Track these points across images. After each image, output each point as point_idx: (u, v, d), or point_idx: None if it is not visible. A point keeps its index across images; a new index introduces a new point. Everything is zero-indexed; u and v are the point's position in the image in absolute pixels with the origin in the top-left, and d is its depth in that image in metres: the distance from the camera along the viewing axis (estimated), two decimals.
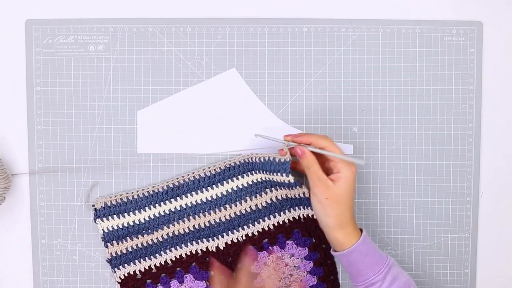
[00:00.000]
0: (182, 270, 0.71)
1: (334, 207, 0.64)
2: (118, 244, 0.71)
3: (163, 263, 0.72)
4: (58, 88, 0.72)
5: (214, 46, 0.73)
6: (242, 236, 0.72)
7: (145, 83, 0.72)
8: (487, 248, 0.76)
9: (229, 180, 0.72)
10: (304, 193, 0.69)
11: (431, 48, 0.74)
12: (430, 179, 0.75)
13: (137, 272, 0.72)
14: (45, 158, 0.72)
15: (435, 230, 0.75)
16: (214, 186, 0.72)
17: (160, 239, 0.72)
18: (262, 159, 0.68)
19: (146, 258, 0.71)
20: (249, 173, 0.71)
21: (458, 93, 0.74)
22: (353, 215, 0.66)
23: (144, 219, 0.71)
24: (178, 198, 0.72)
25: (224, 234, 0.72)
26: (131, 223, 0.71)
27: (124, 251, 0.71)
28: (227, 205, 0.72)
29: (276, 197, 0.72)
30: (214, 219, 0.72)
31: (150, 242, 0.72)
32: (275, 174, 0.67)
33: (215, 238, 0.72)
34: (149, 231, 0.72)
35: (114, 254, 0.71)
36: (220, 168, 0.72)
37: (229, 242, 0.72)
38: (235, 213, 0.72)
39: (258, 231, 0.72)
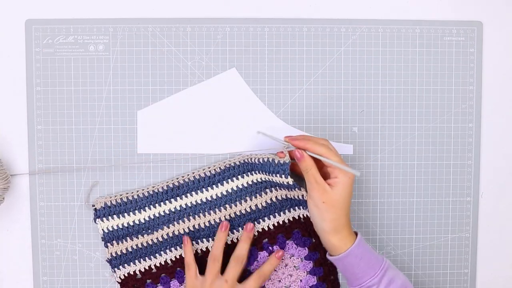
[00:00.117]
0: (182, 270, 0.71)
1: (330, 211, 0.64)
2: (118, 244, 0.71)
3: (163, 263, 0.72)
4: (58, 88, 0.72)
5: (214, 46, 0.73)
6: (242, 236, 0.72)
7: (145, 83, 0.72)
8: (487, 248, 0.76)
9: (229, 180, 0.72)
10: (303, 195, 0.69)
11: (431, 48, 0.74)
12: (430, 179, 0.75)
13: (137, 272, 0.72)
14: (45, 158, 0.72)
15: (435, 230, 0.75)
16: (214, 186, 0.72)
17: (160, 239, 0.72)
18: (261, 160, 0.68)
19: (146, 258, 0.71)
20: (248, 173, 0.71)
21: (458, 93, 0.74)
22: (349, 219, 0.66)
23: (144, 219, 0.71)
24: (178, 198, 0.72)
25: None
26: (131, 223, 0.71)
27: (124, 251, 0.71)
28: (227, 205, 0.72)
29: (276, 197, 0.72)
30: (214, 219, 0.72)
31: (150, 242, 0.71)
32: (274, 175, 0.67)
33: (215, 238, 0.72)
34: (149, 231, 0.72)
35: (114, 254, 0.71)
36: (220, 168, 0.72)
37: (229, 242, 0.72)
38: (235, 213, 0.72)
39: (258, 231, 0.72)
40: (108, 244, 0.71)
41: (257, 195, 0.72)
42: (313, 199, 0.64)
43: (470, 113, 0.75)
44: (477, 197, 0.75)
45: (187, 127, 0.73)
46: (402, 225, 0.75)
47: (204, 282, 0.68)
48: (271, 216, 0.72)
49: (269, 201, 0.72)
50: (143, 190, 0.72)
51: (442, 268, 0.76)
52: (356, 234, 0.66)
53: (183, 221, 0.72)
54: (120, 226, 0.71)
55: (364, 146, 0.74)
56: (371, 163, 0.74)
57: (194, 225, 0.72)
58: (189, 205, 0.72)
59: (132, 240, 0.71)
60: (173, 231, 0.72)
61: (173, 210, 0.72)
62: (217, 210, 0.72)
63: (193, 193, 0.72)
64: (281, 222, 0.72)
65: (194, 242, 0.72)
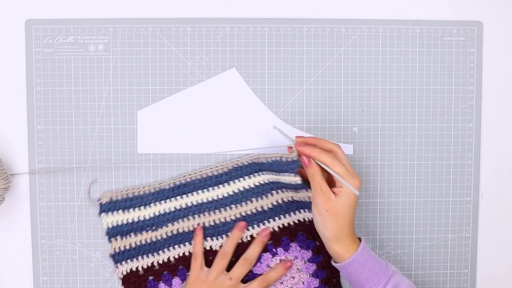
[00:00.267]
0: (184, 268, 0.71)
1: (333, 220, 0.63)
2: (122, 239, 0.71)
3: (166, 260, 0.71)
4: (58, 88, 0.72)
5: (214, 46, 0.73)
6: (246, 237, 0.72)
7: (145, 83, 0.72)
8: (487, 248, 0.76)
9: (236, 180, 0.72)
10: (309, 197, 0.69)
11: (431, 48, 0.74)
12: (430, 179, 0.75)
13: (140, 269, 0.71)
14: (45, 158, 0.72)
15: (435, 230, 0.75)
16: (220, 185, 0.72)
17: (164, 236, 0.71)
18: (269, 159, 0.68)
19: (149, 254, 0.71)
20: (256, 174, 0.71)
21: (458, 93, 0.74)
22: (353, 228, 0.65)
23: (149, 215, 0.71)
24: (184, 196, 0.72)
25: (229, 234, 0.72)
26: (136, 219, 0.71)
27: (128, 247, 0.71)
28: (232, 205, 0.72)
29: (282, 199, 0.71)
30: (219, 219, 0.72)
31: (154, 239, 0.71)
32: (282, 174, 0.67)
33: (219, 237, 0.72)
34: (154, 227, 0.71)
35: (117, 250, 0.71)
36: (227, 168, 0.72)
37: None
38: (240, 213, 0.72)
39: None
40: (112, 239, 0.71)
41: (264, 197, 0.72)
42: (317, 206, 0.64)
43: (470, 113, 0.75)
44: (477, 197, 0.75)
45: (187, 127, 0.73)
46: (402, 225, 0.75)
47: (208, 274, 0.68)
48: (276, 218, 0.72)
49: (275, 203, 0.72)
50: (149, 186, 0.72)
51: (442, 268, 0.76)
52: (360, 240, 0.66)
53: (188, 219, 0.72)
54: (125, 222, 0.71)
55: (364, 146, 0.74)
56: (371, 163, 0.74)
57: (199, 223, 0.72)
58: (195, 203, 0.72)
59: (136, 236, 0.71)
60: (178, 228, 0.72)
61: (178, 208, 0.72)
62: (222, 209, 0.72)
63: (199, 191, 0.72)
64: (286, 224, 0.72)
65: None
